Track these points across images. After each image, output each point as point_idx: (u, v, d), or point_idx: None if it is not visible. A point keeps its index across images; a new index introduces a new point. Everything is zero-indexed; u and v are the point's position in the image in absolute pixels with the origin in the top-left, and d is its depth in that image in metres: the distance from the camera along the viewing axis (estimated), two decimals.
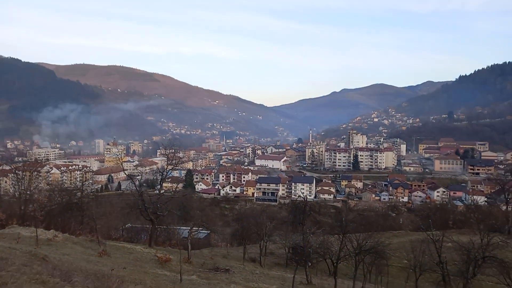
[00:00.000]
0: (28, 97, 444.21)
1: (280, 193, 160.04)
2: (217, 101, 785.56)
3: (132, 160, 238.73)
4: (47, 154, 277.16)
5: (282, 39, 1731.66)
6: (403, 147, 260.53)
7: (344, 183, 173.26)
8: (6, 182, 58.27)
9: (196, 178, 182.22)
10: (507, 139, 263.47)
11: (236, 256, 41.82)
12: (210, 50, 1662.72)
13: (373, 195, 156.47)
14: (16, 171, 43.63)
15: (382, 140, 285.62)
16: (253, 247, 47.05)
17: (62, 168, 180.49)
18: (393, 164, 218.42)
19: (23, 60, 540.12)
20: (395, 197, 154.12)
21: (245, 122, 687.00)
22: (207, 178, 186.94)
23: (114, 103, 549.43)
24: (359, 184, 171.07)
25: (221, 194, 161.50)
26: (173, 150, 43.74)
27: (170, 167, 42.38)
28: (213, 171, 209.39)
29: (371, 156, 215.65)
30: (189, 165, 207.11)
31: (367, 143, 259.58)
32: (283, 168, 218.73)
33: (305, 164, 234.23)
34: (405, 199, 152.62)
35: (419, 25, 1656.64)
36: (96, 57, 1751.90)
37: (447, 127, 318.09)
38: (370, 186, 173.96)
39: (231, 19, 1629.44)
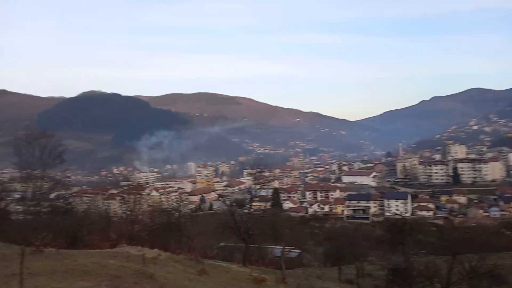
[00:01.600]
0: (128, 127, 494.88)
1: (372, 210, 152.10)
2: (298, 119, 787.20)
3: (221, 181, 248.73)
4: (147, 178, 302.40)
5: (362, 54, 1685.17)
6: (511, 155, 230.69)
7: (444, 198, 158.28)
8: (114, 204, 64.74)
9: (283, 196, 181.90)
10: None
11: (331, 277, 40.13)
12: (289, 71, 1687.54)
13: (481, 211, 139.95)
14: (122, 195, 47.98)
15: (485, 149, 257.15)
16: (348, 268, 44.76)
17: (160, 190, 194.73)
18: (501, 176, 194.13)
19: (122, 94, 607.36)
20: (508, 213, 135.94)
21: (328, 138, 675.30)
22: (294, 197, 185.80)
23: (202, 128, 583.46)
24: (462, 199, 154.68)
25: (309, 213, 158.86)
26: (259, 169, 44.28)
27: (257, 186, 43.04)
28: (299, 189, 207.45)
29: (473, 167, 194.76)
30: (275, 184, 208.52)
31: (467, 154, 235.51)
32: (373, 184, 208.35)
33: (396, 179, 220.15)
34: None
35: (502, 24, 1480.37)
36: (184, 86, 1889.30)
37: None
38: (476, 201, 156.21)
39: (308, 39, 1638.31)
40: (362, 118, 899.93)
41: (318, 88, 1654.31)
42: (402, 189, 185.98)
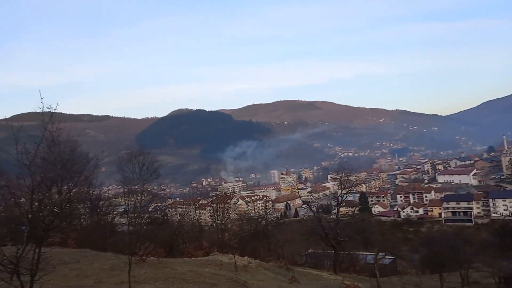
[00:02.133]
0: (213, 140, 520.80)
1: (474, 211, 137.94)
2: (382, 119, 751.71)
3: (305, 187, 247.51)
4: (233, 188, 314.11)
5: (449, 42, 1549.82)
6: None
7: None
8: (205, 214, 68.42)
9: (371, 200, 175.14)
10: None
11: (431, 286, 37.20)
12: (367, 70, 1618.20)
13: None
14: (212, 205, 50.44)
15: None
16: (450, 276, 41.04)
17: (246, 199, 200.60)
18: None
19: (207, 110, 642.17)
20: None
21: (417, 136, 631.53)
22: (383, 200, 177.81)
23: (283, 135, 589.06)
24: None
25: (402, 216, 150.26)
26: (344, 174, 43.16)
27: (344, 191, 41.84)
28: (388, 192, 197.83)
29: None
30: (362, 188, 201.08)
31: None
32: (474, 182, 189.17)
33: (503, 176, 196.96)
34: None
35: None
36: (263, 96, 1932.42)
37: None
38: None
39: (386, 35, 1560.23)
40: (456, 112, 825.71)
41: (403, 84, 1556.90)
42: (510, 187, 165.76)
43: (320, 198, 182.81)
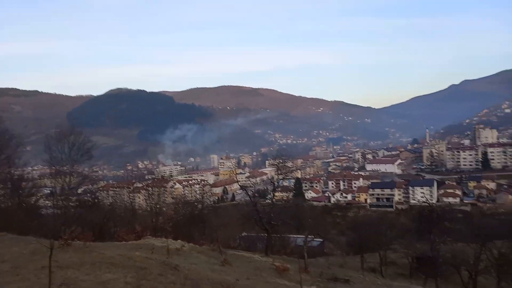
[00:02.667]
0: (153, 122, 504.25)
1: (396, 198, 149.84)
2: (321, 108, 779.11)
3: (243, 172, 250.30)
4: (170, 171, 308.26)
5: (386, 38, 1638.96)
6: None
7: (472, 184, 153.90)
8: (139, 198, 66.56)
9: (305, 186, 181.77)
10: None
11: (353, 266, 39.97)
12: (311, 60, 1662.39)
13: (511, 196, 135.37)
14: (147, 188, 49.23)
15: None
16: (371, 256, 44.45)
17: (183, 183, 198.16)
18: None
19: (147, 91, 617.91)
20: None
21: (352, 127, 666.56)
22: (316, 186, 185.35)
23: (225, 120, 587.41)
24: (492, 185, 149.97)
25: (332, 202, 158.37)
26: (282, 160, 44.39)
27: (280, 176, 43.13)
28: (321, 178, 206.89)
29: (504, 152, 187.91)
30: (298, 174, 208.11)
31: (498, 138, 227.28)
32: (398, 171, 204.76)
33: (423, 166, 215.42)
34: None
35: None
36: (207, 80, 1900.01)
37: None
38: (505, 187, 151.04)
39: (330, 25, 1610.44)
40: (388, 105, 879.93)
41: (342, 76, 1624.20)
42: (428, 176, 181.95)
43: (257, 183, 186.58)
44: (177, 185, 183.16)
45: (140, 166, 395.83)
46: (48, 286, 13.81)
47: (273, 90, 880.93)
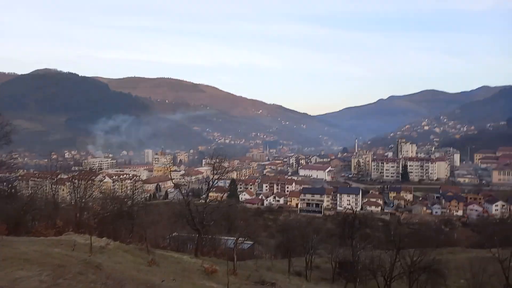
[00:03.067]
0: (84, 110, 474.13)
1: (324, 204, 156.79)
2: (260, 111, 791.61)
3: (178, 170, 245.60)
4: (100, 164, 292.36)
5: (326, 47, 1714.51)
6: (457, 157, 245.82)
7: (392, 194, 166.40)
8: (63, 190, 62.03)
9: (240, 188, 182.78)
10: None
11: (281, 269, 41.14)
12: (253, 60, 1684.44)
13: (425, 208, 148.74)
14: (73, 180, 46.16)
15: (433, 149, 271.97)
16: (298, 260, 46.12)
17: (114, 177, 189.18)
18: (446, 175, 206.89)
19: (80, 75, 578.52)
20: (448, 211, 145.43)
21: (288, 132, 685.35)
22: (251, 188, 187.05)
23: (163, 114, 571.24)
24: (409, 196, 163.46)
25: (265, 205, 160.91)
26: (218, 160, 44.30)
27: (215, 176, 42.90)
28: (256, 180, 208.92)
29: (421, 166, 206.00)
30: (233, 175, 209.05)
31: (417, 153, 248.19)
32: (328, 178, 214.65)
33: (350, 174, 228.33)
34: (460, 213, 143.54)
35: (473, 25, 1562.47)
36: (146, 70, 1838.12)
37: (506, 135, 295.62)
38: (421, 199, 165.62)
39: (274, 28, 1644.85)
40: (323, 113, 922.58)
41: (282, 80, 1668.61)
42: (355, 185, 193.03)
43: (192, 181, 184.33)
44: (107, 179, 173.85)
45: (66, 156, 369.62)
46: None
47: (214, 87, 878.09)
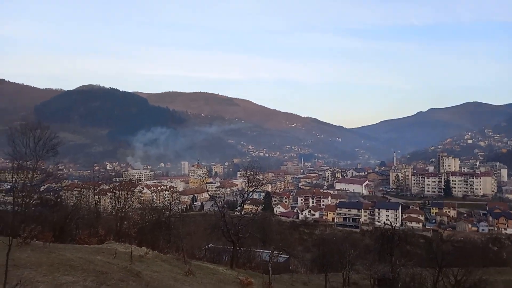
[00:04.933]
0: (124, 123, 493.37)
1: (362, 219, 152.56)
2: (295, 124, 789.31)
3: (214, 182, 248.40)
4: (139, 175, 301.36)
5: (362, 60, 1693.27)
6: (504, 171, 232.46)
7: (434, 210, 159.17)
8: (105, 200, 64.40)
9: (275, 200, 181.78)
10: None
11: (317, 284, 40.25)
12: (288, 74, 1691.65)
13: (470, 225, 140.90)
14: (114, 191, 47.88)
15: (478, 163, 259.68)
16: (334, 276, 44.92)
17: (152, 188, 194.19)
18: (493, 191, 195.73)
19: (121, 90, 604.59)
20: (496, 228, 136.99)
21: (323, 145, 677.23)
22: (286, 201, 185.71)
23: (198, 127, 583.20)
24: (452, 213, 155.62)
25: (300, 218, 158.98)
26: (253, 172, 44.43)
27: (250, 189, 42.88)
28: (291, 194, 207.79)
29: (465, 181, 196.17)
30: (268, 188, 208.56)
31: (460, 167, 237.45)
32: (365, 192, 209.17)
33: (389, 189, 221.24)
34: (509, 231, 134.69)
35: None
36: (183, 85, 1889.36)
37: None
38: (465, 215, 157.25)
39: (309, 42, 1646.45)
40: (359, 126, 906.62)
41: (316, 93, 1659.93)
42: (394, 199, 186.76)
43: (227, 193, 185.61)
44: (145, 190, 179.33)
45: (108, 167, 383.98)
46: (3, 286, 13.19)
47: (248, 101, 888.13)
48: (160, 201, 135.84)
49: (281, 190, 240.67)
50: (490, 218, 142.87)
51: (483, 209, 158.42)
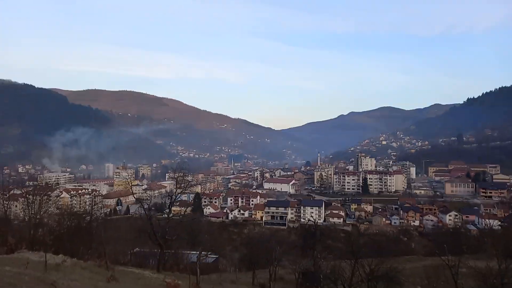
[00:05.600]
0: (40, 122, 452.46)
1: (289, 217, 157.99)
2: (225, 125, 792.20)
3: (141, 184, 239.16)
4: (57, 178, 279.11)
5: (290, 64, 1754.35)
6: (413, 170, 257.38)
7: (353, 206, 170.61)
8: (16, 206, 58.47)
9: (205, 201, 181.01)
10: None
11: (245, 282, 40.91)
12: (218, 75, 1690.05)
13: (384, 219, 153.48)
14: (27, 196, 43.81)
15: (391, 163, 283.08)
16: (262, 272, 46.04)
17: (72, 192, 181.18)
18: (403, 188, 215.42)
19: (36, 86, 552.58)
20: (406, 221, 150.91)
21: (253, 145, 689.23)
22: (216, 202, 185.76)
23: (124, 127, 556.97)
24: (369, 208, 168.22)
25: (230, 218, 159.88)
26: (182, 174, 43.84)
27: (179, 190, 42.29)
28: (221, 194, 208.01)
29: (380, 179, 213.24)
30: (198, 189, 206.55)
31: (376, 166, 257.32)
32: (292, 191, 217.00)
33: (313, 187, 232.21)
34: (417, 223, 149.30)
35: (426, 48, 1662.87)
36: (108, 82, 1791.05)
37: (457, 149, 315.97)
38: (380, 210, 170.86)
39: (238, 44, 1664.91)
40: (287, 128, 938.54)
41: (246, 95, 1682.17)
42: (318, 197, 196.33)
43: (155, 196, 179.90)
44: (64, 194, 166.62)
45: (20, 170, 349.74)
46: None
47: (178, 101, 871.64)
48: (81, 205, 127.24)
49: (211, 191, 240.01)
50: (401, 212, 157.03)
51: (395, 204, 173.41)
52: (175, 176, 43.66)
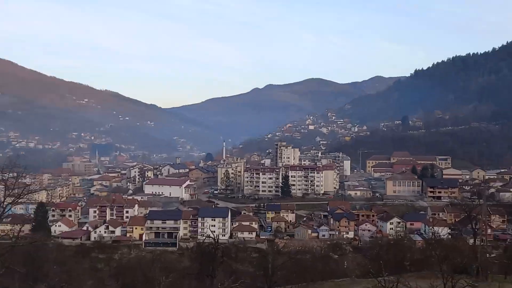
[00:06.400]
0: None
1: (181, 233, 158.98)
2: (86, 100, 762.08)
3: None
4: None
5: (185, 20, 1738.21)
6: (347, 163, 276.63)
7: (270, 215, 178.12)
8: None
9: (53, 215, 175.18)
10: (472, 152, 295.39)
11: None
12: (76, 26, 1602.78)
13: (309, 231, 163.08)
14: None
15: (320, 155, 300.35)
16: None
17: None
18: (335, 188, 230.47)
19: None
20: (337, 233, 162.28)
21: (129, 131, 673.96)
22: (70, 216, 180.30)
23: None
24: (291, 217, 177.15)
25: (93, 239, 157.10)
26: (15, 174, 42.39)
27: (9, 199, 41.15)
28: (79, 204, 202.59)
29: (306, 177, 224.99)
30: (42, 196, 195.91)
31: (300, 160, 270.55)
32: (186, 196, 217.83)
33: (216, 190, 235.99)
34: (351, 234, 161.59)
35: (366, 6, 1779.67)
36: None
37: (401, 137, 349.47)
38: (305, 219, 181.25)
39: None
40: (179, 106, 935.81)
41: (119, 60, 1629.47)
42: (222, 204, 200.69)
43: None
44: None
45: None
46: None
47: (10, 62, 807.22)
48: None
49: (63, 200, 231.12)
50: (331, 221, 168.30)
51: (324, 210, 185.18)
52: (3, 178, 41.42)
